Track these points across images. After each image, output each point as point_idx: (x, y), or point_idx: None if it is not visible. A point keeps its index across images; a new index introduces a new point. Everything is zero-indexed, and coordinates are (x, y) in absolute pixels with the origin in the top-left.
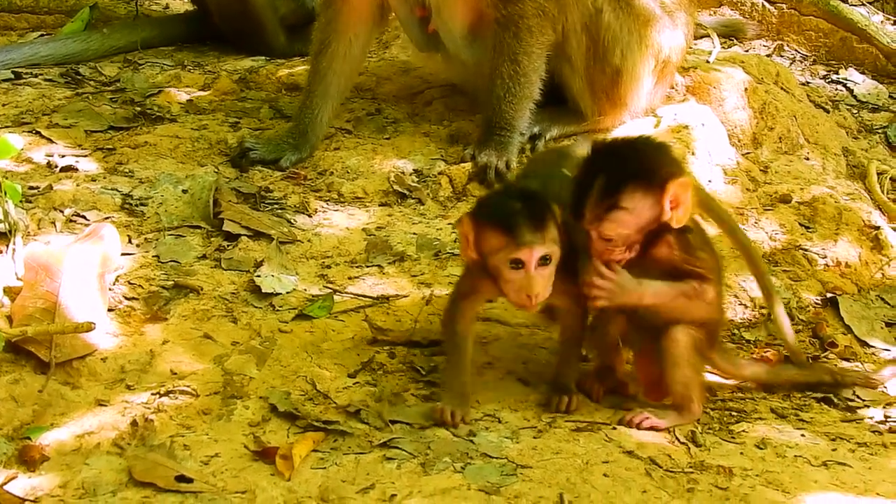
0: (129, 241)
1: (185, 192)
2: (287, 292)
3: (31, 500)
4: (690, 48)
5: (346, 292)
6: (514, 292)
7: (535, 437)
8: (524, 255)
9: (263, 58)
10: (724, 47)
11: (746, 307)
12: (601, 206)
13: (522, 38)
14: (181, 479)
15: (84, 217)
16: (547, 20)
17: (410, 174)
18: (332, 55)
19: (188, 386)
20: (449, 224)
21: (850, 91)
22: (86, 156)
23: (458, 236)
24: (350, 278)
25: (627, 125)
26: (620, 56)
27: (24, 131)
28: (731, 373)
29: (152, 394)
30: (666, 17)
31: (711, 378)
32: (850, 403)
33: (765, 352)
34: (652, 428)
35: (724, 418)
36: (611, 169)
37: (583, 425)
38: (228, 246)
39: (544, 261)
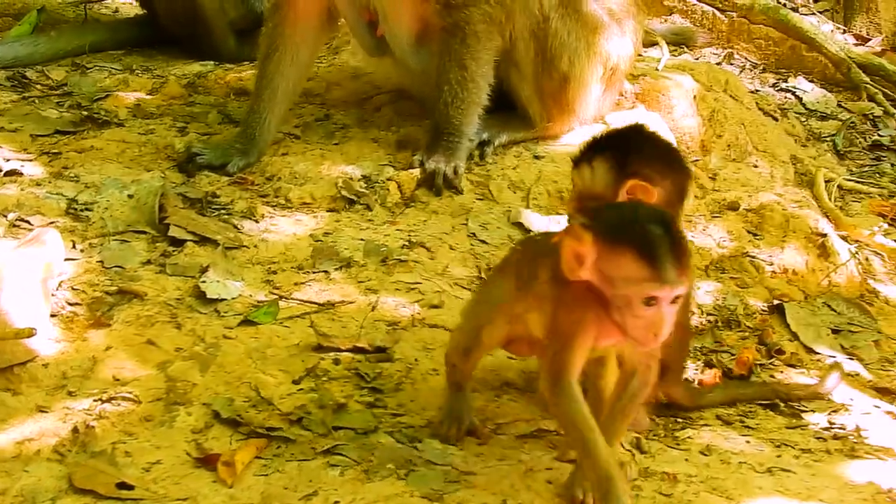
0: (74, 247)
1: (130, 196)
2: (232, 298)
3: None
4: (640, 55)
5: (291, 298)
6: (640, 329)
7: (479, 444)
8: (664, 293)
9: (212, 62)
10: (673, 55)
11: (693, 314)
12: (582, 154)
13: (469, 43)
14: (122, 486)
15: (28, 222)
16: (494, 26)
17: (359, 180)
18: (280, 60)
19: (130, 392)
20: (398, 230)
21: (799, 99)
22: (31, 160)
23: (565, 249)
24: (296, 284)
25: (576, 132)
26: (568, 63)
27: None
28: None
29: (94, 400)
30: (614, 25)
31: None
32: (794, 410)
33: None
34: None
35: (670, 425)
36: (621, 137)
37: (527, 432)
38: (174, 251)
39: (677, 297)
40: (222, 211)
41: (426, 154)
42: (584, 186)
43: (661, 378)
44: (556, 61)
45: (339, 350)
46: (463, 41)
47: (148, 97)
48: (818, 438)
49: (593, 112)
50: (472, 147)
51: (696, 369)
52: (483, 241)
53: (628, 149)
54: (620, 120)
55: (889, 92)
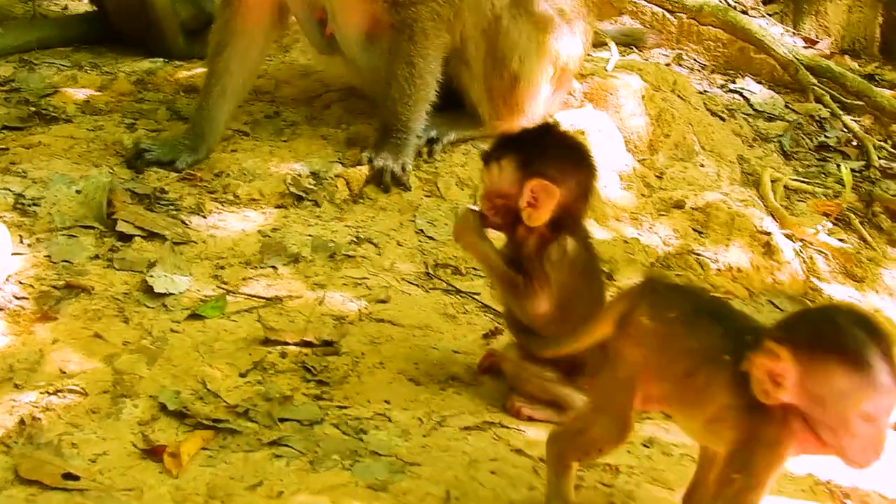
0: (21, 241)
1: (78, 192)
2: (180, 292)
3: None
4: (589, 55)
5: (239, 293)
6: (858, 449)
7: (424, 436)
8: (885, 403)
9: (162, 59)
10: (623, 55)
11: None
12: (491, 152)
13: (417, 41)
14: (68, 476)
15: None
16: (442, 23)
17: (307, 177)
18: (230, 57)
19: (77, 385)
20: (346, 226)
21: (747, 100)
22: None
23: (757, 370)
24: (244, 279)
25: None
26: (518, 62)
27: None
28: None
29: (41, 393)
30: (565, 25)
31: None
32: None
33: None
34: (530, 418)
35: None
36: (534, 136)
37: (472, 424)
38: (121, 246)
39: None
40: (170, 206)
41: (374, 151)
42: (492, 184)
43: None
44: (506, 61)
45: (286, 344)
46: (411, 38)
47: (97, 94)
48: None
49: (542, 111)
50: (421, 144)
51: None
52: (431, 238)
53: (533, 149)
54: (569, 118)
55: (836, 94)
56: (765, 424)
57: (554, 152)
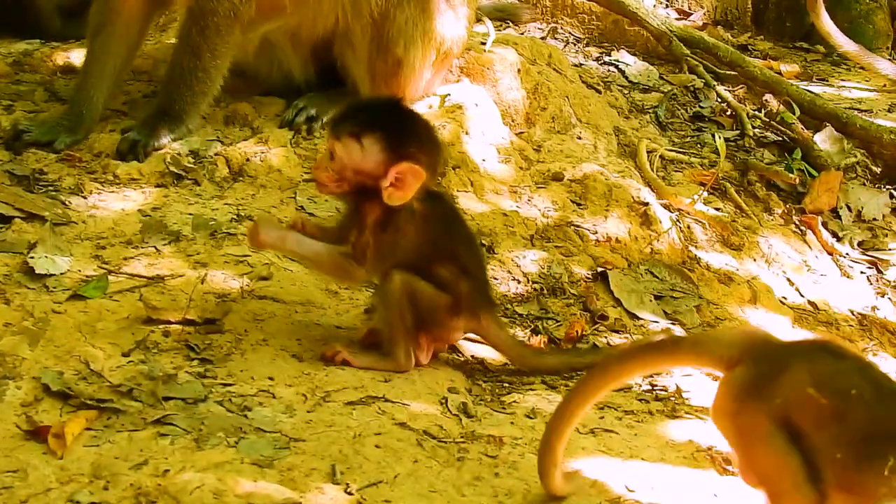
0: None
1: None
2: (61, 273)
3: None
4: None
5: (120, 273)
6: None
7: (309, 412)
8: None
9: (38, 41)
10: (498, 30)
11: (519, 282)
12: (348, 127)
13: (209, 35)
14: None
15: None
16: (236, 22)
17: (186, 155)
18: (108, 37)
19: None
20: (226, 204)
21: (622, 72)
22: None
23: None
24: (125, 259)
25: None
26: (403, 49)
27: None
28: (496, 345)
29: None
30: (450, 12)
31: (485, 353)
32: None
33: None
34: (345, 363)
35: (496, 390)
36: (392, 115)
37: (356, 399)
38: (1, 228)
39: None
40: (50, 188)
41: (137, 127)
42: (349, 160)
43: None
44: (391, 46)
45: (169, 322)
46: (202, 32)
47: None
48: (640, 400)
49: (421, 93)
50: (301, 122)
51: (524, 337)
52: (312, 214)
53: (397, 130)
54: (446, 92)
55: (709, 65)
56: None
57: (416, 133)
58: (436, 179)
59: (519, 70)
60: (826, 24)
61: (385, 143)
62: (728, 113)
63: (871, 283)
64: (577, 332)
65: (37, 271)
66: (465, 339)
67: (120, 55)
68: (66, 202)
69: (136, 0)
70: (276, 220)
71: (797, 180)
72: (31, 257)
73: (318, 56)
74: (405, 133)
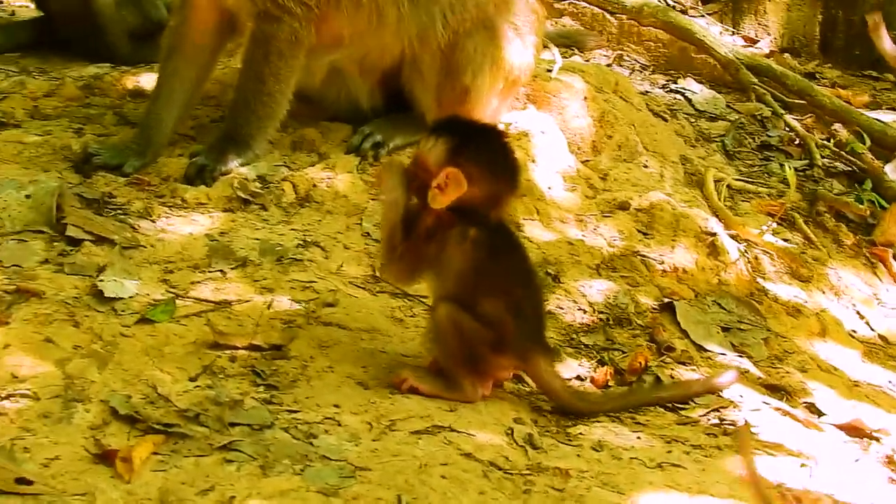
0: None
1: (28, 197)
2: (129, 297)
3: None
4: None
5: (188, 297)
6: None
7: (374, 440)
8: None
9: (108, 65)
10: (564, 57)
11: (585, 312)
12: (438, 128)
13: (272, 60)
14: (21, 481)
15: None
16: (300, 47)
17: (254, 180)
18: (179, 61)
19: (28, 389)
20: (293, 230)
21: (689, 100)
22: None
23: None
24: (192, 283)
25: None
26: (471, 76)
27: None
28: (544, 389)
29: None
30: (518, 40)
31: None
32: (685, 407)
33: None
34: (412, 391)
35: (562, 421)
36: (478, 131)
37: (422, 428)
38: (71, 251)
39: None
40: (119, 211)
41: (204, 151)
42: (422, 154)
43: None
44: (459, 74)
45: (236, 348)
46: (266, 57)
47: (45, 99)
48: (708, 434)
49: (489, 121)
50: (367, 149)
51: (589, 367)
52: (377, 241)
53: (468, 141)
54: (512, 120)
55: (777, 93)
56: None
57: (485, 152)
58: (495, 208)
59: (585, 97)
60: (889, 48)
61: (449, 144)
62: (796, 142)
63: None
64: (640, 363)
65: (106, 294)
66: None
67: (190, 80)
68: (135, 226)
69: (208, 27)
70: (402, 172)
71: (867, 211)
72: (101, 280)
73: (385, 83)
74: (472, 146)
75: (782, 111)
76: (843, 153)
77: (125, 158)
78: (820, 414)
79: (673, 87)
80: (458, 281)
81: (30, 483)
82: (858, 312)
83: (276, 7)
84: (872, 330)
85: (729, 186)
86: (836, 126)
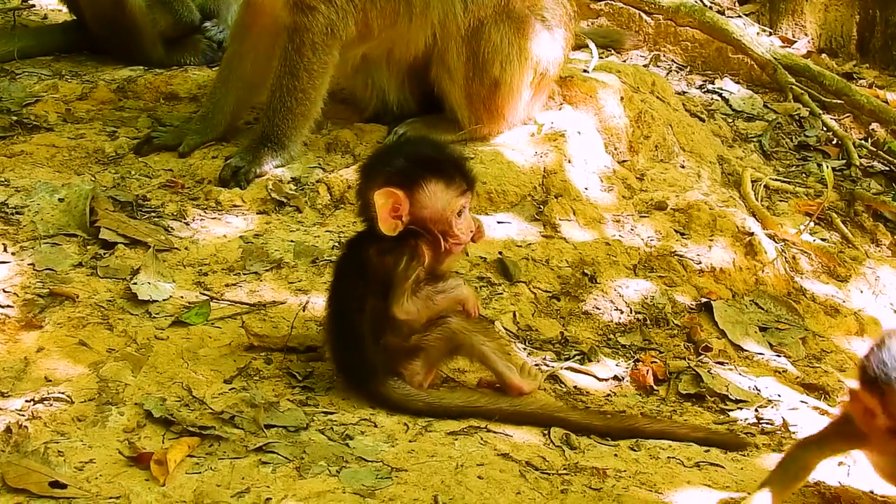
0: (5, 250)
1: (61, 200)
2: (164, 299)
3: None
4: (568, 60)
5: (222, 299)
6: None
7: (410, 441)
8: None
9: (142, 67)
10: (601, 57)
11: (622, 312)
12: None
13: (305, 54)
14: (55, 484)
15: None
16: (334, 40)
17: (288, 182)
18: (240, 46)
19: (63, 392)
20: (327, 231)
21: (726, 100)
22: None
23: (850, 407)
24: (227, 285)
25: (506, 134)
26: (500, 68)
27: None
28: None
29: (27, 400)
30: (546, 32)
31: (586, 383)
32: (722, 406)
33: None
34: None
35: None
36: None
37: (458, 429)
38: (105, 254)
39: None
40: (153, 214)
41: (240, 153)
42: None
43: None
44: (487, 66)
45: (271, 350)
46: (299, 50)
47: (78, 102)
48: (746, 433)
49: (522, 116)
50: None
51: (626, 367)
52: None
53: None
54: (549, 120)
55: (815, 93)
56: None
57: (402, 157)
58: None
59: (622, 98)
60: None
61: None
62: (834, 142)
63: None
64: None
65: (140, 297)
66: (568, 369)
67: (250, 64)
68: (169, 228)
69: (265, 30)
70: None
71: None
72: (135, 283)
73: (414, 79)
74: (398, 160)
75: (820, 111)
76: (880, 153)
77: (182, 138)
78: None
79: (710, 87)
80: None
81: (64, 487)
82: None
83: None
84: None
85: (766, 186)
86: (874, 126)
